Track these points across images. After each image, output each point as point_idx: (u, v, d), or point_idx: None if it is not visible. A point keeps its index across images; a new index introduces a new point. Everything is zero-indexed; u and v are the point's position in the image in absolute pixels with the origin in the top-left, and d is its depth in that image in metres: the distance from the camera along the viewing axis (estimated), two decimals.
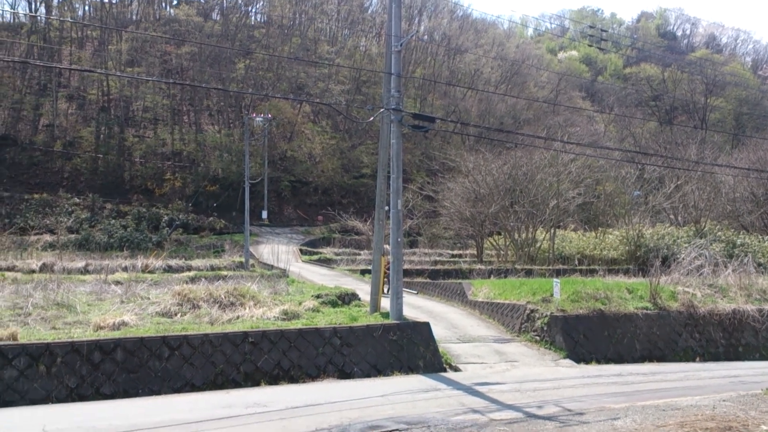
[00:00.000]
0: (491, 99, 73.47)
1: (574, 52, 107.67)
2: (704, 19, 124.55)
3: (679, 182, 44.50)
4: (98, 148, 57.29)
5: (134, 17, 72.30)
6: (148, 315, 16.53)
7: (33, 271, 29.39)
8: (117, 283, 23.47)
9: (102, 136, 59.31)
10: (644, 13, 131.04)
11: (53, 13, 66.20)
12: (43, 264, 30.97)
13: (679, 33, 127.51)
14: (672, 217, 45.32)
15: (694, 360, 19.91)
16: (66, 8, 66.06)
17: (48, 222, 45.77)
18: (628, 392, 13.79)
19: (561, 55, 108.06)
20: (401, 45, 17.78)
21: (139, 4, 72.09)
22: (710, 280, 24.31)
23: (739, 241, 38.13)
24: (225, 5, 72.69)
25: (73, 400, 12.45)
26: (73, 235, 44.14)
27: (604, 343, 19.26)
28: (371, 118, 22.05)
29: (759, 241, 39.06)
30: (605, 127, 75.24)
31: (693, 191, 43.74)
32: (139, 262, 32.84)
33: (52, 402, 12.28)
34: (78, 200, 51.38)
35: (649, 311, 20.64)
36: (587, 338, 19.16)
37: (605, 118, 79.62)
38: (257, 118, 52.11)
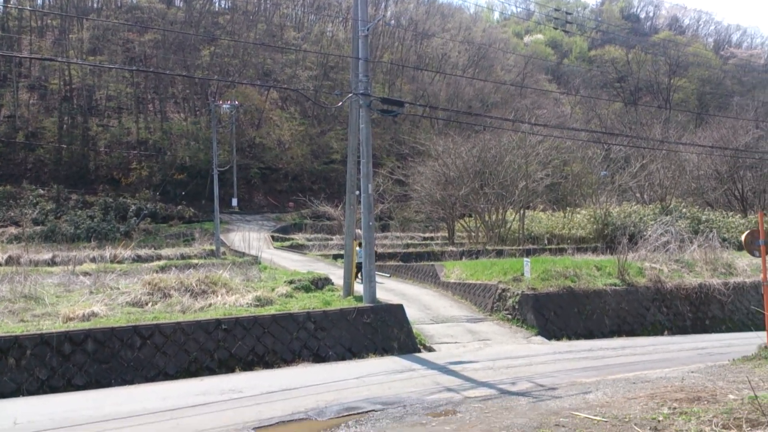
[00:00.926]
0: (459, 83, 73.59)
1: (540, 36, 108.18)
2: (667, 1, 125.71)
3: (644, 161, 45.18)
4: (62, 139, 56.16)
5: (95, 5, 70.73)
6: (119, 305, 16.36)
7: None
8: (85, 274, 23.14)
9: (65, 126, 58.14)
10: None
11: (11, 2, 64.55)
12: (9, 257, 30.39)
13: (642, 15, 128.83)
14: (638, 195, 46.01)
15: (662, 333, 20.33)
16: None
17: (12, 214, 44.83)
18: (599, 366, 14.04)
19: (527, 38, 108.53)
20: (368, 30, 17.70)
21: None
22: (677, 256, 24.79)
23: (704, 218, 38.91)
24: None
25: (45, 392, 12.28)
26: (38, 227, 43.35)
27: (575, 320, 19.56)
28: (340, 104, 21.96)
29: (723, 217, 39.91)
30: (572, 109, 75.93)
31: (658, 170, 44.44)
32: (108, 252, 32.42)
33: (23, 395, 12.11)
34: (42, 191, 50.40)
35: (617, 287, 21.01)
36: (558, 315, 19.44)
37: (571, 100, 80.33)
38: (224, 106, 51.49)
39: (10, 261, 29.67)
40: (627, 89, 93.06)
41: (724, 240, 31.16)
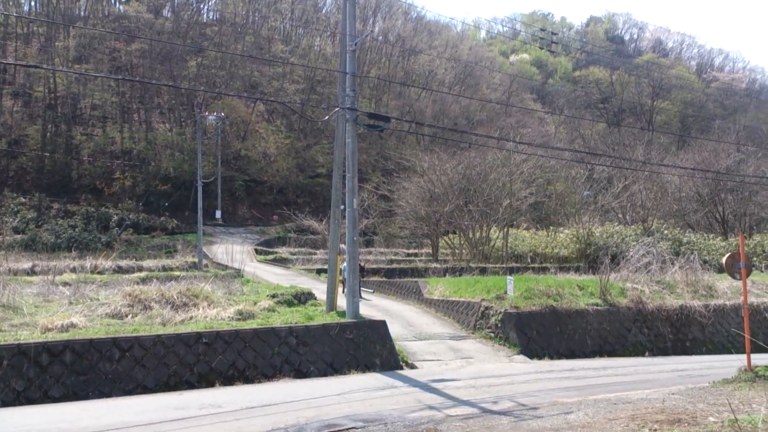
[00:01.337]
0: (445, 100, 73.99)
1: (526, 55, 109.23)
2: (651, 24, 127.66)
3: (627, 182, 45.57)
4: (45, 147, 55.70)
5: (82, 13, 70.39)
6: (98, 316, 16.16)
7: None
8: (65, 284, 22.85)
9: (49, 134, 57.70)
10: (593, 18, 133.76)
11: None
12: None
13: (626, 37, 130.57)
14: (620, 216, 46.35)
15: (643, 354, 20.40)
16: (11, 3, 63.96)
17: None
18: (580, 387, 14.04)
19: (513, 57, 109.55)
20: (356, 44, 17.77)
21: (87, 0, 70.29)
22: (658, 277, 24.94)
23: (685, 239, 39.25)
24: (176, 2, 71.56)
25: (21, 404, 12.09)
26: (18, 236, 42.81)
27: (557, 339, 19.60)
28: (326, 117, 22.00)
29: (704, 239, 40.28)
30: (556, 129, 76.58)
31: (640, 191, 44.83)
32: (88, 262, 32.07)
33: None
34: (24, 200, 49.87)
35: (599, 307, 21.09)
36: (540, 334, 19.46)
37: (556, 120, 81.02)
38: (210, 117, 51.35)
39: None
40: (610, 110, 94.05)
41: (705, 262, 31.45)
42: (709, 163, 47.82)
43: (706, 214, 47.57)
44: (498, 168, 42.84)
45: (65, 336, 13.66)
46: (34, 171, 54.25)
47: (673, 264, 26.35)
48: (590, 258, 36.80)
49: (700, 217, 47.58)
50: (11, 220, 44.80)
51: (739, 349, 21.63)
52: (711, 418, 9.18)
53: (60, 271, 28.85)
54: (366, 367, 15.77)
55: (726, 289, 25.03)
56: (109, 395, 12.84)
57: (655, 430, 8.62)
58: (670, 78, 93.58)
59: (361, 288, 26.08)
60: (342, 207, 18.88)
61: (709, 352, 21.82)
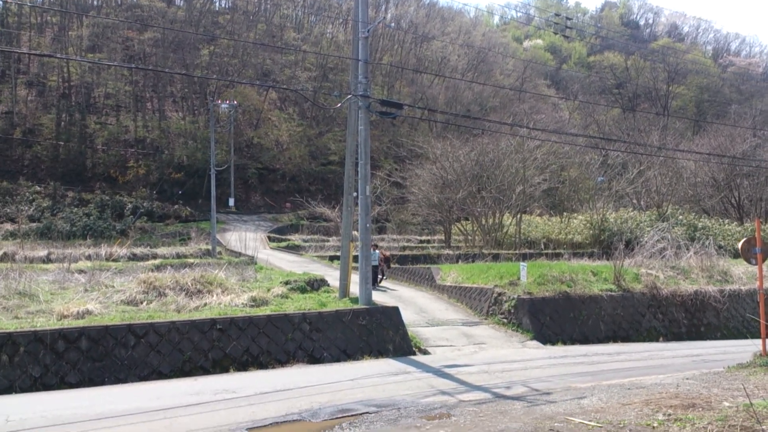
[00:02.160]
0: (458, 86, 73.61)
1: (540, 41, 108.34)
2: (666, 9, 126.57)
3: (641, 168, 45.20)
4: (59, 136, 56.05)
5: (95, 2, 70.61)
6: (113, 303, 16.30)
7: None
8: (80, 271, 23.05)
9: (63, 123, 58.02)
10: (608, 3, 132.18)
11: None
12: (4, 253, 30.32)
13: (642, 22, 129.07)
14: (635, 201, 46.03)
15: (657, 340, 20.33)
16: None
17: (8, 210, 44.65)
18: (594, 372, 14.02)
19: (526, 43, 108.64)
20: (368, 31, 17.69)
21: None
22: (673, 263, 24.80)
23: (700, 225, 38.93)
24: None
25: (38, 390, 12.24)
26: (34, 224, 43.19)
27: (570, 325, 19.55)
28: (339, 105, 21.92)
29: (719, 225, 39.94)
30: (570, 114, 75.97)
31: (655, 176, 44.46)
32: (103, 250, 32.33)
33: (16, 392, 12.06)
34: (39, 188, 50.28)
35: (613, 293, 21.00)
36: (553, 320, 19.42)
37: (570, 106, 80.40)
38: (223, 105, 51.47)
39: (5, 257, 29.59)
40: (625, 95, 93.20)
41: (720, 247, 31.18)
42: (724, 148, 47.34)
43: (721, 199, 47.13)
44: (511, 154, 42.62)
45: (81, 323, 13.80)
46: (48, 160, 54.63)
47: (688, 249, 26.17)
48: (604, 244, 36.61)
49: (716, 202, 47.15)
50: (27, 208, 45.18)
51: (754, 335, 21.48)
52: (725, 403, 9.14)
53: (75, 258, 29.09)
54: (379, 352, 15.83)
55: (741, 274, 24.86)
56: (124, 381, 12.97)
57: (669, 414, 8.58)
58: (685, 63, 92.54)
59: (383, 278, 25.98)
60: (355, 194, 18.88)
61: (723, 337, 21.70)
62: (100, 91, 62.12)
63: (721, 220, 41.60)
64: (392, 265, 30.00)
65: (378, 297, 19.03)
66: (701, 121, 74.76)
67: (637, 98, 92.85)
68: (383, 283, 26.60)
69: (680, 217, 39.99)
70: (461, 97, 74.60)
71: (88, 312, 14.87)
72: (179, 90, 65.87)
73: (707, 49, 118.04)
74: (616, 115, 77.29)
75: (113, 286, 18.39)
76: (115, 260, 30.27)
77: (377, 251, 25.34)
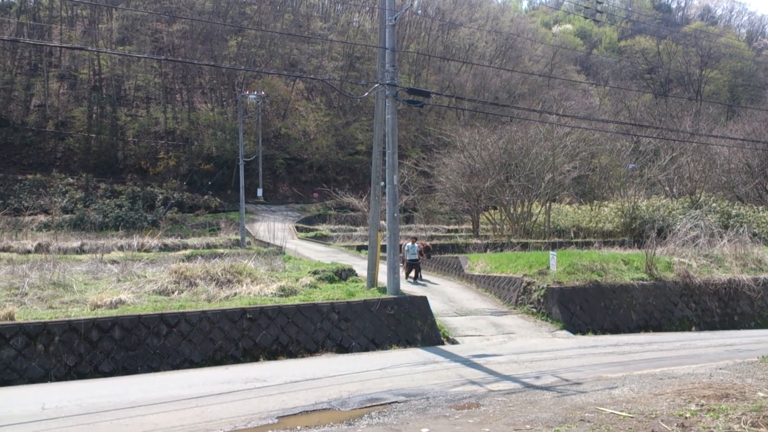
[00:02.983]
0: (486, 73, 73.03)
1: (569, 26, 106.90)
2: None
3: (674, 154, 44.47)
4: (91, 128, 56.92)
5: None
6: (145, 293, 16.54)
7: (28, 252, 29.31)
8: (113, 262, 23.43)
9: (94, 115, 58.90)
10: None
11: None
12: (39, 244, 30.86)
13: (673, 5, 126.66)
14: (667, 189, 45.33)
15: (690, 329, 20.05)
16: None
17: (42, 202, 45.56)
18: (625, 362, 13.87)
19: (556, 28, 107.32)
20: (395, 19, 17.60)
21: None
22: (706, 251, 24.41)
23: (734, 212, 38.22)
24: None
25: (72, 378, 12.47)
26: (67, 216, 44.01)
27: (601, 314, 19.36)
28: (366, 94, 21.90)
29: (754, 212, 39.16)
30: (600, 101, 74.98)
31: (688, 163, 43.71)
32: (135, 241, 32.79)
33: (51, 380, 12.31)
34: (72, 180, 51.15)
35: (645, 282, 20.74)
36: (583, 310, 19.25)
37: (600, 92, 79.35)
38: (250, 96, 51.74)
39: (39, 249, 30.13)
40: (657, 81, 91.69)
41: (755, 235, 30.59)
42: (759, 133, 46.37)
43: (755, 185, 46.16)
44: (540, 142, 42.22)
45: (114, 312, 14.03)
46: (81, 152, 55.51)
47: (721, 237, 25.75)
48: (636, 232, 36.16)
49: (750, 189, 46.19)
50: (60, 200, 46.05)
51: None
52: (760, 393, 8.99)
53: (108, 249, 29.57)
54: (407, 342, 15.84)
55: None
56: (157, 370, 13.16)
57: (702, 405, 8.47)
58: (719, 46, 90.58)
59: (420, 272, 24.86)
60: (382, 183, 18.87)
61: (758, 326, 21.33)
62: (130, 83, 62.88)
63: (755, 207, 40.77)
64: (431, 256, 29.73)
65: (406, 287, 19.00)
66: (735, 106, 73.30)
67: (669, 83, 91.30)
68: (422, 277, 25.24)
69: (713, 204, 39.31)
70: (489, 84, 74.02)
71: (121, 302, 15.12)
72: (208, 81, 66.39)
73: (741, 32, 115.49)
74: (648, 101, 76.09)
75: (145, 276, 18.66)
76: (146, 251, 30.71)
77: (416, 244, 24.67)
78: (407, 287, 20.57)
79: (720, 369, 11.63)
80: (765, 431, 7.02)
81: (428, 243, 28.88)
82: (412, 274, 24.38)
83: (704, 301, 21.23)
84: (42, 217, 43.13)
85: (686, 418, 7.86)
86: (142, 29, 64.57)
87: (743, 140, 42.75)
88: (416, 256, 24.28)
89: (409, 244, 24.49)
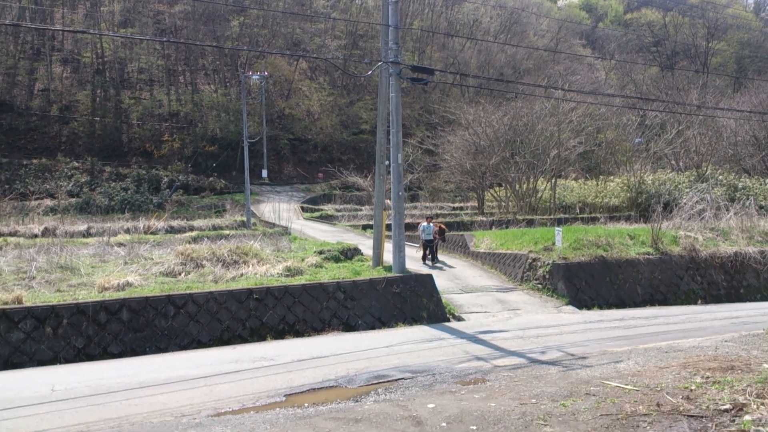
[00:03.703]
0: (490, 49, 72.45)
1: None
2: None
3: (680, 128, 44.21)
4: (95, 112, 56.88)
5: None
6: (152, 275, 16.63)
7: (35, 236, 29.48)
8: (120, 245, 23.53)
9: (98, 99, 58.81)
10: None
11: None
12: (45, 228, 31.02)
13: None
14: (673, 162, 45.15)
15: (695, 303, 20.07)
16: None
17: (48, 186, 45.69)
18: (630, 336, 13.92)
19: (561, 2, 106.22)
20: None
21: None
22: (712, 224, 24.36)
23: (740, 185, 38.10)
24: None
25: (81, 360, 12.59)
26: (73, 199, 44.12)
27: (606, 289, 19.38)
28: (369, 72, 21.75)
29: (761, 184, 39.03)
30: (606, 75, 74.41)
31: (694, 136, 43.48)
32: (141, 223, 32.92)
33: (60, 362, 12.44)
34: (77, 164, 51.22)
35: (650, 256, 20.73)
36: (589, 285, 19.27)
37: (606, 65, 78.70)
38: (254, 76, 51.54)
39: (46, 232, 30.30)
40: (663, 53, 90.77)
41: (762, 207, 30.51)
42: (766, 105, 46.02)
43: (762, 158, 45.91)
44: (545, 118, 42.02)
45: (122, 294, 14.12)
46: (85, 135, 55.51)
47: (727, 210, 25.68)
48: (641, 207, 36.10)
49: (757, 161, 45.96)
50: (66, 184, 46.14)
51: None
52: (765, 365, 9.01)
53: (114, 232, 29.71)
54: (413, 320, 15.91)
55: None
56: (165, 350, 13.28)
57: (708, 377, 8.50)
58: (725, 18, 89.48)
59: (437, 253, 24.25)
60: (387, 162, 18.83)
61: (764, 299, 21.34)
62: (133, 66, 62.69)
63: (762, 180, 40.60)
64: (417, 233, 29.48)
65: (411, 265, 19.02)
66: (742, 77, 72.64)
67: (675, 56, 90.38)
68: (439, 258, 24.43)
69: (720, 177, 39.18)
70: (494, 60, 73.46)
71: (129, 284, 15.20)
72: (211, 63, 66.12)
73: (748, 3, 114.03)
74: (654, 74, 75.48)
75: (152, 259, 18.74)
76: (152, 233, 30.84)
77: (431, 224, 24.14)
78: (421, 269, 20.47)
79: (725, 341, 11.65)
80: None
81: (444, 225, 26.83)
82: (429, 256, 23.94)
83: (710, 275, 21.22)
84: (48, 202, 43.27)
85: (691, 390, 7.89)
86: (144, 11, 64.23)
87: (750, 112, 42.47)
88: (431, 236, 23.74)
89: (425, 224, 24.20)
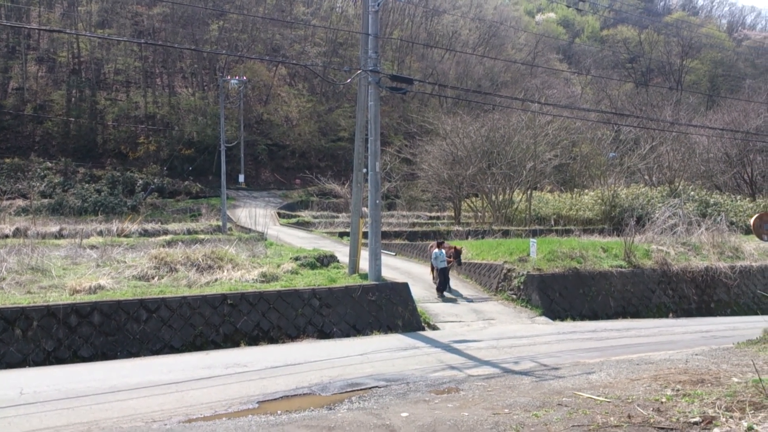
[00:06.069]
0: (469, 61, 72.99)
1: (552, 14, 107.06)
2: None
3: (653, 143, 44.88)
4: (70, 112, 56.16)
5: None
6: (125, 278, 16.44)
7: (6, 236, 28.97)
8: (92, 247, 23.24)
9: (73, 99, 58.09)
10: None
11: None
12: (17, 229, 30.49)
13: None
14: (647, 177, 45.76)
15: (667, 316, 20.33)
16: None
17: (20, 186, 44.98)
18: (603, 348, 14.05)
19: (539, 17, 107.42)
20: (379, 5, 17.52)
21: None
22: (684, 239, 24.71)
23: (712, 201, 38.72)
24: None
25: (51, 363, 12.39)
26: (46, 200, 43.51)
27: (580, 301, 19.56)
28: (348, 80, 21.78)
29: (732, 201, 39.70)
30: (582, 89, 75.33)
31: (668, 152, 44.14)
32: (115, 226, 32.51)
33: (30, 365, 12.22)
34: (50, 164, 50.52)
35: (623, 269, 20.97)
36: (563, 296, 19.43)
37: (582, 80, 79.66)
38: (232, 81, 51.30)
39: (17, 233, 29.79)
40: (638, 70, 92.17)
41: (732, 223, 31.01)
42: (738, 123, 46.87)
43: (734, 175, 46.77)
44: (522, 130, 42.38)
45: (93, 298, 13.93)
46: (59, 136, 54.78)
47: (699, 225, 26.06)
48: (615, 220, 36.50)
49: (728, 178, 46.80)
50: (38, 184, 45.50)
51: (764, 311, 21.48)
52: (734, 379, 9.14)
53: (87, 234, 29.31)
54: (388, 328, 15.91)
55: (753, 250, 24.71)
56: (137, 355, 13.12)
57: (678, 390, 8.60)
58: (700, 37, 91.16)
59: (449, 281, 20.88)
60: (364, 170, 18.85)
61: (734, 313, 21.67)
62: (110, 67, 62.07)
63: (733, 196, 41.34)
64: (395, 240, 29.06)
65: (387, 273, 19.04)
66: (715, 96, 73.91)
67: (650, 73, 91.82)
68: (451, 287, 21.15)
69: (692, 193, 39.78)
70: (472, 72, 74.03)
71: (101, 287, 15.01)
72: (189, 66, 65.72)
73: (722, 23, 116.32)
74: (629, 90, 76.56)
75: (125, 262, 18.52)
76: (126, 236, 30.48)
77: (442, 250, 20.69)
78: (387, 273, 19.86)
79: (696, 355, 11.81)
80: (739, 415, 7.15)
81: (460, 246, 23.31)
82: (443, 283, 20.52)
83: (681, 289, 21.52)
84: (20, 202, 42.60)
85: (662, 402, 7.98)
86: (122, 12, 63.65)
87: (722, 129, 43.22)
88: (445, 264, 20.49)
89: (436, 251, 20.79)
